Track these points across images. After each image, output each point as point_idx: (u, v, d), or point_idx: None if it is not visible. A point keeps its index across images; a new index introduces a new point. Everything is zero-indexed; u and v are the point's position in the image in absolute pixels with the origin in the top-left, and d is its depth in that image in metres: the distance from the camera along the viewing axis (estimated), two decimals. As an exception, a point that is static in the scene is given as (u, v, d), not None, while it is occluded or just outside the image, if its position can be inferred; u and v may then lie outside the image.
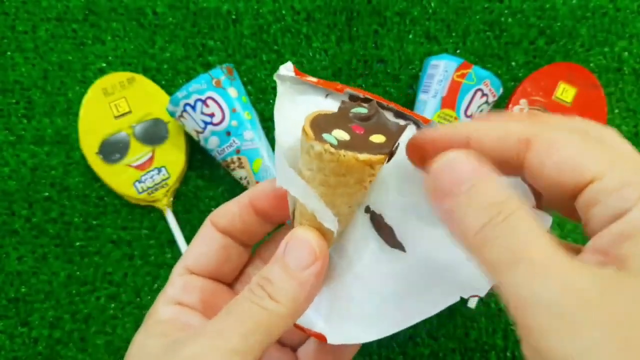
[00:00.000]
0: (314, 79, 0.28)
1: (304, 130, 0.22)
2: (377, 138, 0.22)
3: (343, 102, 0.24)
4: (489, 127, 0.22)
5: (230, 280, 0.31)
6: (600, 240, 0.18)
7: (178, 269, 0.28)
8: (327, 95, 0.29)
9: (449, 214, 0.20)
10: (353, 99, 0.28)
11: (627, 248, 0.17)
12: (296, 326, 0.27)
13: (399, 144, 0.22)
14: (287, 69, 0.28)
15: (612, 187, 0.18)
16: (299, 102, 0.28)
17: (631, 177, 0.18)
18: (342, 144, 0.22)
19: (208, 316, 0.26)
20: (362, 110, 0.24)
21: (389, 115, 0.26)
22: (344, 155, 0.21)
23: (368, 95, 0.28)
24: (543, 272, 0.17)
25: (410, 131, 0.25)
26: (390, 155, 0.22)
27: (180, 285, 0.27)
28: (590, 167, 0.19)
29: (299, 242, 0.24)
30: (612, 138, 0.21)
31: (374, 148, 0.22)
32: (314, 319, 0.28)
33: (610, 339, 0.15)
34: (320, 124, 0.22)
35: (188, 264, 0.28)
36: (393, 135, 0.23)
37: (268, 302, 0.23)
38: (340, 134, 0.22)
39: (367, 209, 0.28)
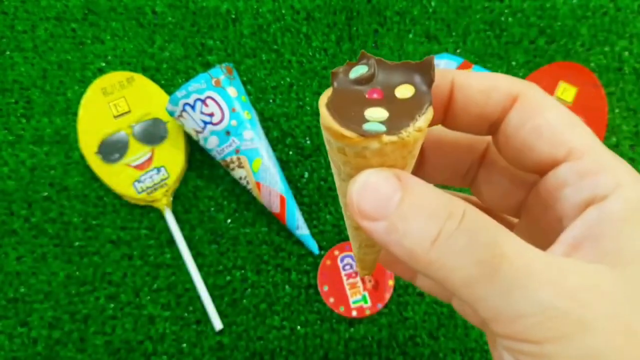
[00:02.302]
0: None
1: (339, 134, 0.17)
2: (404, 90, 0.18)
3: (333, 73, 0.18)
4: (478, 76, 0.19)
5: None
6: (574, 231, 0.17)
7: None
8: None
9: (386, 237, 0.16)
10: None
11: (607, 243, 0.16)
12: None
13: (428, 92, 0.17)
14: None
15: (590, 170, 0.17)
16: None
17: (609, 162, 0.17)
18: (388, 124, 0.17)
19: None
20: (361, 69, 0.18)
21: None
22: (408, 136, 0.17)
23: None
24: (530, 278, 0.15)
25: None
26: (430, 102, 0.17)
27: None
28: (571, 142, 0.17)
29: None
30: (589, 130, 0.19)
31: (415, 105, 0.17)
32: None
33: (618, 336, 0.15)
34: (343, 115, 0.17)
35: None
36: (419, 82, 0.18)
37: None
38: (375, 113, 0.17)
39: None
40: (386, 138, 0.16)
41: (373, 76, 0.18)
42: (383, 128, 0.17)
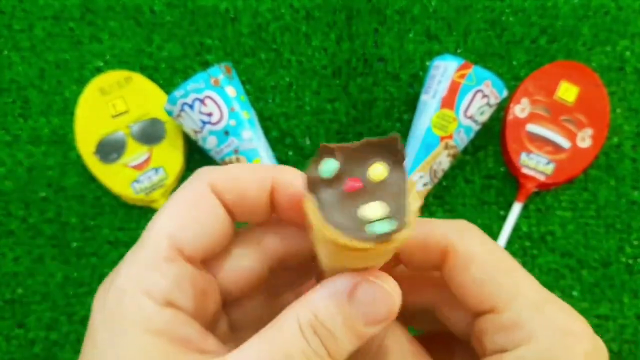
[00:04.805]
0: None
1: (356, 248, 0.15)
2: (376, 170, 0.17)
3: (309, 179, 0.17)
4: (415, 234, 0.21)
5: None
6: None
7: (162, 245, 0.19)
8: None
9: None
10: None
11: None
12: None
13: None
14: None
15: (505, 325, 0.20)
16: None
17: (526, 315, 0.20)
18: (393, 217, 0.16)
19: (202, 321, 0.20)
20: (330, 164, 0.17)
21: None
22: (411, 224, 0.16)
23: None
24: None
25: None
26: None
27: (173, 276, 0.19)
28: (495, 296, 0.20)
29: (381, 292, 0.18)
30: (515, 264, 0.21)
31: (395, 187, 0.17)
32: None
33: None
34: (343, 222, 0.16)
35: (180, 243, 0.19)
36: (388, 158, 0.17)
37: None
38: (374, 210, 0.16)
39: None
40: (405, 233, 0.15)
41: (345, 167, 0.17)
42: (393, 226, 0.15)
